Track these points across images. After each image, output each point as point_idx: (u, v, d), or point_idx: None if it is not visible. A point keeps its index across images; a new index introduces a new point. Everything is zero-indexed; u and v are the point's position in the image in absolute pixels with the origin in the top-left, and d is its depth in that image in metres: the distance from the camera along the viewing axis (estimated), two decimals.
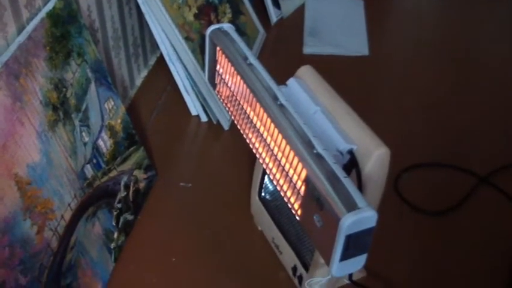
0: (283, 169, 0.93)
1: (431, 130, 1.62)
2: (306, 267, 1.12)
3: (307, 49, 1.92)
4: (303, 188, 0.88)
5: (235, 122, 1.09)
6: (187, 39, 1.50)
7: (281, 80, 1.07)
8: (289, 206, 0.93)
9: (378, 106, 1.68)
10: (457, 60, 1.94)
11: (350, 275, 1.08)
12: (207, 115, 1.60)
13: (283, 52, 1.92)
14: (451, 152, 1.53)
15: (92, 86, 1.22)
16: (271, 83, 1.00)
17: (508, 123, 1.66)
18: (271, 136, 0.96)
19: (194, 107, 1.60)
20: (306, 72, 1.10)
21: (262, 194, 1.25)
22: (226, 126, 1.58)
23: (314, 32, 1.99)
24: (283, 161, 0.93)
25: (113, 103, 1.28)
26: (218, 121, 1.58)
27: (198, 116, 1.61)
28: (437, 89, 1.79)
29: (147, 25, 1.51)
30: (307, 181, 0.87)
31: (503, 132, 1.62)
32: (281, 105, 0.96)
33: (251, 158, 1.37)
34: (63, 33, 1.15)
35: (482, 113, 1.69)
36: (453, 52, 1.98)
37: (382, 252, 1.06)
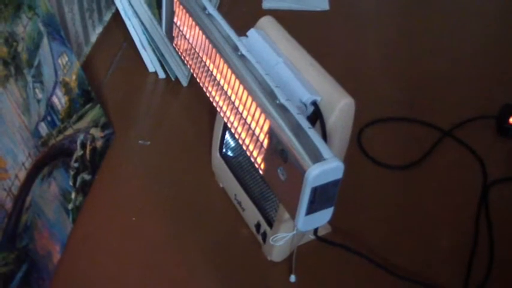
0: (245, 122, 0.90)
1: (395, 84, 1.61)
2: (270, 224, 1.10)
3: (267, 4, 1.89)
4: (265, 140, 0.86)
5: (195, 75, 1.05)
6: None
7: (240, 36, 1.03)
8: (252, 160, 0.90)
9: (340, 61, 1.65)
10: (419, 11, 1.92)
11: (315, 230, 1.06)
12: (165, 72, 1.56)
13: (241, 7, 1.88)
14: (414, 106, 1.52)
15: (45, 40, 1.17)
16: (231, 34, 0.97)
17: (471, 76, 1.65)
18: (232, 88, 0.93)
19: (151, 64, 1.56)
20: (267, 23, 1.07)
21: (224, 150, 1.22)
22: (184, 82, 1.54)
23: None
24: (245, 113, 0.90)
25: (67, 59, 1.24)
26: (176, 77, 1.55)
27: (155, 73, 1.57)
28: (400, 42, 1.77)
29: None
30: (270, 133, 0.84)
31: (467, 86, 1.61)
32: (242, 56, 0.92)
33: (211, 115, 1.35)
34: None
35: (446, 66, 1.68)
36: (415, 4, 1.96)
37: (347, 207, 1.04)
